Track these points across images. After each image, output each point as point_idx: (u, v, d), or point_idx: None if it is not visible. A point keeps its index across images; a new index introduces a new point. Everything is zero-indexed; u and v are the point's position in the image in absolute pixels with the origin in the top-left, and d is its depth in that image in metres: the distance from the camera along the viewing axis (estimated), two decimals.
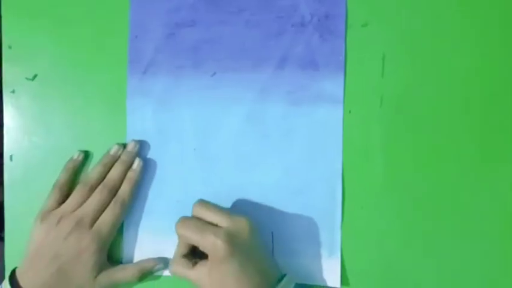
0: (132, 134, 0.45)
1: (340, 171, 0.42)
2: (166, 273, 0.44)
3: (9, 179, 0.47)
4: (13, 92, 0.47)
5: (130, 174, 0.44)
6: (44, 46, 0.46)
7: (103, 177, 0.44)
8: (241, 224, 0.38)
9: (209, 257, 0.38)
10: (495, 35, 0.41)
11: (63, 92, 0.46)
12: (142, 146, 0.45)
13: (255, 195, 0.43)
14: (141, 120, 0.45)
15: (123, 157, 0.44)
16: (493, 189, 0.41)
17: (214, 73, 0.44)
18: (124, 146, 0.45)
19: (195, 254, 0.40)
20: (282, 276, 0.39)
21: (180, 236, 0.39)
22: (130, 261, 0.45)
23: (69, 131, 0.46)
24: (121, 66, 0.45)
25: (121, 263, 0.45)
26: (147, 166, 0.45)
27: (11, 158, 0.47)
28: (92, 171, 0.44)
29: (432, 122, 0.41)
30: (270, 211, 0.43)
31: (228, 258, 0.37)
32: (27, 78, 0.47)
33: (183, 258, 0.40)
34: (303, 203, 0.43)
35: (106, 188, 0.43)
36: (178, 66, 0.44)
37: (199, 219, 0.39)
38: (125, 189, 0.43)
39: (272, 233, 0.43)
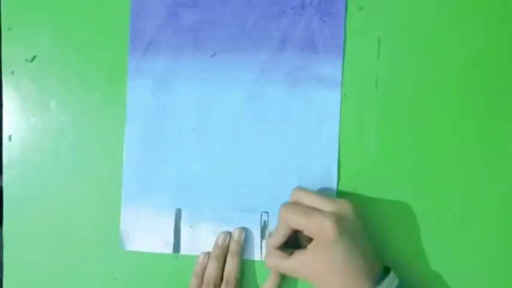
0: (132, 114, 0.45)
1: (336, 154, 0.43)
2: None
3: (8, 158, 0.47)
4: (12, 73, 0.47)
5: (232, 247, 0.43)
6: (44, 27, 0.46)
7: (220, 273, 0.43)
8: (345, 207, 0.37)
9: (315, 240, 0.36)
10: (490, 17, 0.41)
11: (63, 73, 0.46)
12: (141, 125, 0.45)
13: (251, 175, 0.44)
14: (140, 100, 0.45)
15: (233, 248, 0.43)
16: (488, 166, 0.41)
17: (214, 54, 0.44)
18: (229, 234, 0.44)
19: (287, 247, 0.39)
20: (385, 269, 0.37)
21: (284, 220, 0.38)
22: (128, 233, 0.45)
23: (68, 112, 0.46)
24: (121, 46, 0.45)
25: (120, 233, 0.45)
26: (146, 145, 0.45)
27: (10, 138, 0.47)
28: (208, 267, 0.43)
29: (427, 103, 0.42)
30: (265, 191, 0.43)
31: (336, 240, 0.35)
32: (26, 60, 0.47)
33: (277, 250, 0.39)
34: (298, 184, 0.42)
35: (226, 286, 0.42)
36: (178, 46, 0.44)
37: (301, 204, 0.38)
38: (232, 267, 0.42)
39: (267, 212, 0.43)
